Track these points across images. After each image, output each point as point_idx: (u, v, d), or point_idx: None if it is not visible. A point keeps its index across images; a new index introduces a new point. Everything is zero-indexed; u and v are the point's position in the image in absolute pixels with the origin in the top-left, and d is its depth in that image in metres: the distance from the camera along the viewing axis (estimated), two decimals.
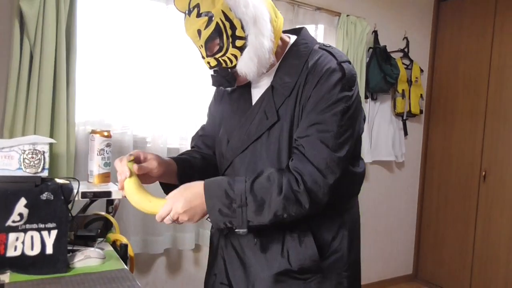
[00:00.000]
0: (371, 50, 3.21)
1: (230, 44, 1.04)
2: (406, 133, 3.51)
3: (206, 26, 1.03)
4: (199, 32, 1.04)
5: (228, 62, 1.07)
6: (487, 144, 3.27)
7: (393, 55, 3.28)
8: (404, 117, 3.43)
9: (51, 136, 1.94)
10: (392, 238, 3.61)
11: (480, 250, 3.30)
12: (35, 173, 1.33)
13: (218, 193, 1.00)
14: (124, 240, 1.57)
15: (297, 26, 1.23)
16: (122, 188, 1.05)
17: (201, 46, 1.07)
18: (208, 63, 1.09)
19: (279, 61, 1.13)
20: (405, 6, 3.48)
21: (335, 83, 1.03)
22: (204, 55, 1.08)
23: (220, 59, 1.07)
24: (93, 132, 1.60)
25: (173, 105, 2.39)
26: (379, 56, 3.15)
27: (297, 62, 1.10)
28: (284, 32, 1.18)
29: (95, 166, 1.60)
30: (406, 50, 3.44)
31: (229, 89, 1.17)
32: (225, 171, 1.20)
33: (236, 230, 1.02)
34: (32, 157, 1.33)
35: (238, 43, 1.04)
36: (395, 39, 3.41)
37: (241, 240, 1.14)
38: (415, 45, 3.52)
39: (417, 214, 3.78)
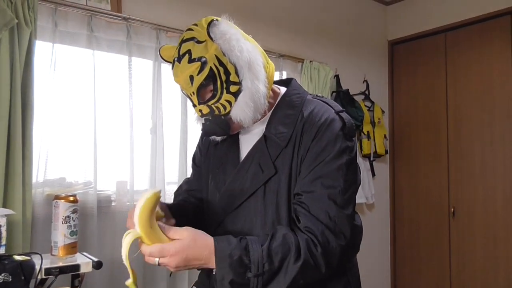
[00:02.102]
0: (334, 94, 3.25)
1: (224, 90, 0.98)
2: (373, 174, 3.52)
3: (199, 72, 0.97)
4: (191, 78, 0.98)
5: (222, 108, 1.00)
6: (452, 180, 3.33)
7: (355, 97, 3.34)
8: (371, 158, 3.45)
9: (5, 202, 1.74)
10: (368, 280, 3.51)
11: (457, 284, 3.27)
12: None
13: (231, 261, 0.87)
14: None
15: (285, 78, 1.19)
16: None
17: (193, 93, 1.00)
18: (200, 110, 1.02)
19: (271, 111, 1.08)
20: (362, 51, 3.60)
21: (337, 133, 0.99)
22: (196, 102, 1.02)
23: (213, 106, 1.00)
24: (57, 197, 1.43)
25: (137, 159, 2.24)
26: (343, 99, 3.19)
27: (291, 112, 1.05)
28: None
29: (60, 236, 1.42)
30: (366, 92, 3.52)
31: (218, 138, 1.10)
32: (214, 231, 1.08)
33: None
34: None
35: (233, 88, 0.99)
36: (356, 82, 3.48)
37: None
38: (374, 87, 3.61)
39: (391, 255, 3.74)
